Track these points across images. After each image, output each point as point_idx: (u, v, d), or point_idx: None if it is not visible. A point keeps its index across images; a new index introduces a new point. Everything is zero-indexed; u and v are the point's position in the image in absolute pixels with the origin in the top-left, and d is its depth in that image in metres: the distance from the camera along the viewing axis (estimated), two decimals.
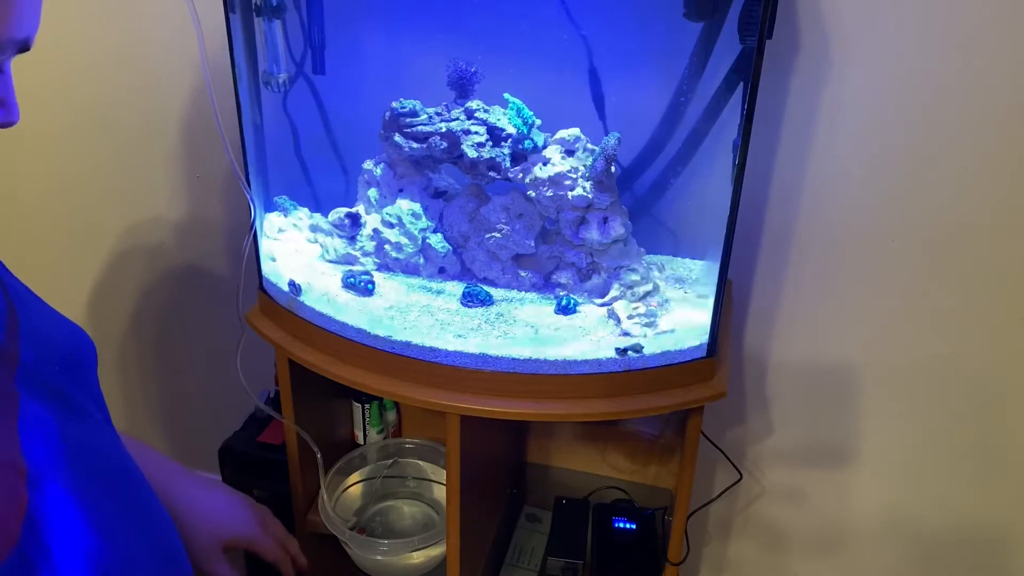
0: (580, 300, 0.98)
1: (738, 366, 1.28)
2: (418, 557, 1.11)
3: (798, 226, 1.15)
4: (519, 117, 0.96)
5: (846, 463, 1.31)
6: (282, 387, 1.07)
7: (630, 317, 0.92)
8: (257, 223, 1.00)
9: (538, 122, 0.98)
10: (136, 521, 0.56)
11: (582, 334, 0.92)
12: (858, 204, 1.11)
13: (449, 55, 0.98)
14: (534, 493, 1.34)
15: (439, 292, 1.00)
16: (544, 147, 0.97)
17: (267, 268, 1.03)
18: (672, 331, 0.92)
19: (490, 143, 0.97)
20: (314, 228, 1.11)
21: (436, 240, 1.02)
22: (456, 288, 1.00)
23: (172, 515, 0.66)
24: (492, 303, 0.97)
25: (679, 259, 1.10)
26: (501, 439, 1.22)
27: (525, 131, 0.97)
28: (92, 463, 0.52)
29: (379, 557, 1.10)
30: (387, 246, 1.02)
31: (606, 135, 0.92)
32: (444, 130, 0.97)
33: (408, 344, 0.90)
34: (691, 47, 0.96)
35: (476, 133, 0.96)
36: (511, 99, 0.96)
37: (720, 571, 1.49)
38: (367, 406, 1.24)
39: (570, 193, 0.93)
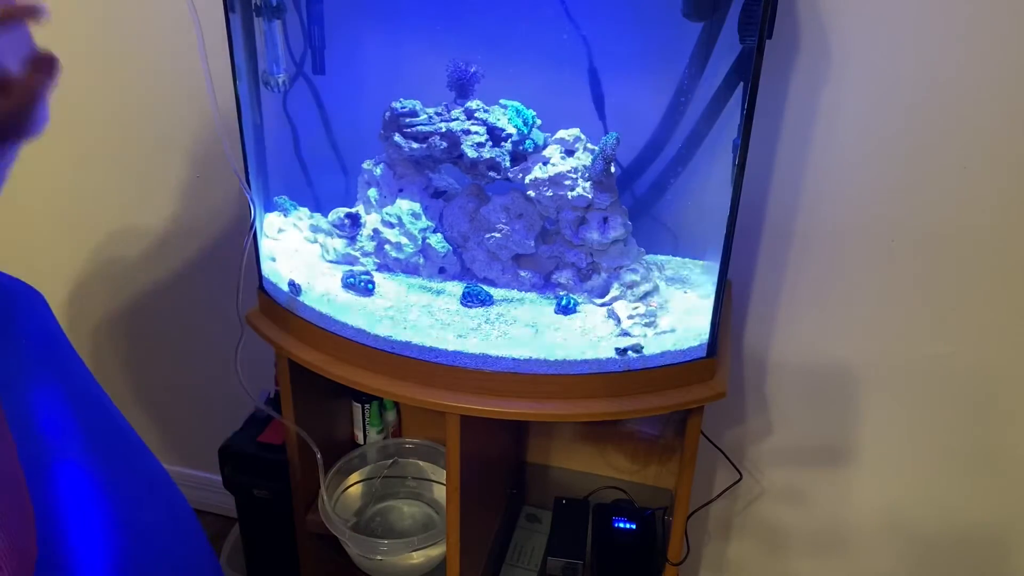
0: (580, 300, 0.98)
1: (738, 366, 1.28)
2: (418, 557, 1.11)
3: (798, 226, 1.15)
4: (519, 117, 0.96)
5: (846, 463, 1.31)
6: (282, 387, 1.07)
7: (630, 317, 0.92)
8: (257, 223, 1.00)
9: (538, 122, 0.98)
10: (144, 485, 0.56)
11: (582, 334, 0.92)
12: (858, 204, 1.11)
13: (449, 55, 0.98)
14: (534, 493, 1.34)
15: (439, 292, 1.00)
16: (544, 147, 0.97)
17: (267, 268, 1.03)
18: (672, 331, 0.92)
19: (490, 143, 0.97)
20: (314, 228, 1.11)
21: (436, 240, 1.02)
22: (456, 288, 1.00)
23: None
24: (492, 303, 0.97)
25: (679, 259, 1.10)
26: (501, 439, 1.22)
27: (525, 131, 0.97)
28: (100, 438, 0.53)
29: (379, 557, 1.10)
30: (387, 246, 1.02)
31: (606, 135, 0.92)
32: (444, 130, 0.97)
33: (408, 344, 0.90)
34: (691, 47, 0.96)
35: (476, 133, 0.96)
36: (508, 103, 0.96)
37: (720, 571, 1.49)
38: (367, 406, 1.24)
39: (570, 193, 0.93)
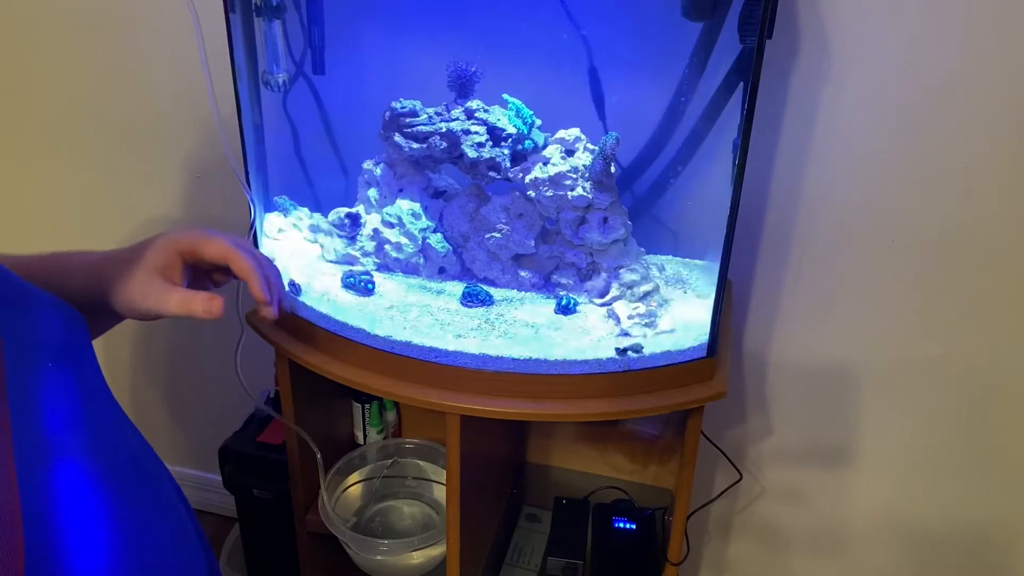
0: (580, 300, 0.98)
1: (738, 366, 1.28)
2: (418, 557, 1.11)
3: (798, 226, 1.15)
4: (519, 117, 0.96)
5: (846, 463, 1.31)
6: (282, 387, 1.07)
7: (630, 317, 0.92)
8: (257, 223, 1.00)
9: (538, 122, 0.98)
10: (150, 509, 0.56)
11: (582, 334, 0.92)
12: (858, 204, 1.11)
13: (449, 55, 0.98)
14: (534, 493, 1.34)
15: (439, 292, 1.00)
16: (544, 147, 0.97)
17: None
18: (672, 331, 0.92)
19: (490, 143, 0.97)
20: (314, 228, 1.11)
21: (436, 240, 1.02)
22: (456, 288, 1.00)
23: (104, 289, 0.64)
24: (492, 303, 0.97)
25: (679, 259, 1.10)
26: (501, 439, 1.22)
27: (525, 131, 0.97)
28: (108, 452, 0.52)
29: (379, 557, 1.10)
30: (387, 246, 1.02)
31: (606, 135, 0.92)
32: (444, 130, 0.97)
33: (408, 344, 0.90)
34: (691, 47, 0.96)
35: (476, 133, 0.96)
36: (510, 99, 0.96)
37: (720, 571, 1.49)
38: (367, 406, 1.24)
39: (570, 193, 0.93)
